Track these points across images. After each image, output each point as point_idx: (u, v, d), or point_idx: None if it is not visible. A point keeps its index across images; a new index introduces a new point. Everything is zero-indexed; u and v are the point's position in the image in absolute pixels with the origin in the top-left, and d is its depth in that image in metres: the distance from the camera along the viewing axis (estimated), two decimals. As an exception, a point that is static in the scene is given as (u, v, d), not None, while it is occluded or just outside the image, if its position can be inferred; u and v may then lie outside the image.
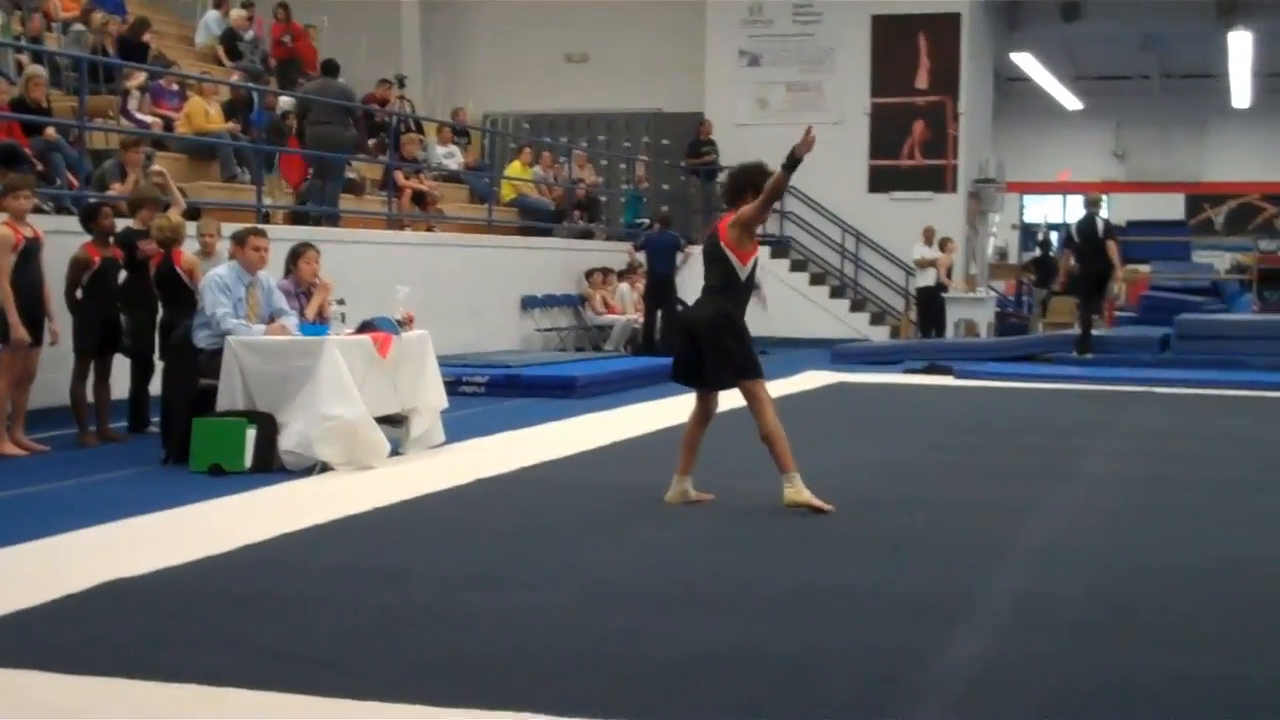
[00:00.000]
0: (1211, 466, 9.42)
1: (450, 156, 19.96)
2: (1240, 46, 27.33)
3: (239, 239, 9.47)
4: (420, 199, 18.13)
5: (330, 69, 16.57)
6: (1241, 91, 32.80)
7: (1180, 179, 35.87)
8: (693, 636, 4.97)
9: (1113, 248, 17.24)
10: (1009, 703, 4.31)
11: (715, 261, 7.37)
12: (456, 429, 10.36)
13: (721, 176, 6.99)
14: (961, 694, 4.40)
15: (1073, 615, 5.33)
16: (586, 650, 4.80)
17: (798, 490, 7.18)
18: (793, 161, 6.95)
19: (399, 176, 17.81)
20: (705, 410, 7.64)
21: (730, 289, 7.32)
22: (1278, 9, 24.72)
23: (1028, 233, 33.01)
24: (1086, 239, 17.63)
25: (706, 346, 7.25)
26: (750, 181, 7.35)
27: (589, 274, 20.13)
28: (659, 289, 19.27)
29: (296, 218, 15.23)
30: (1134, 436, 11.10)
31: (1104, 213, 18.86)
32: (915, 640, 4.93)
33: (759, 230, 7.56)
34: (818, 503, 7.13)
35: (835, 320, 22.41)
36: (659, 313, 19.26)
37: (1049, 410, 13.06)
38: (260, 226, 9.87)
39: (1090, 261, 17.54)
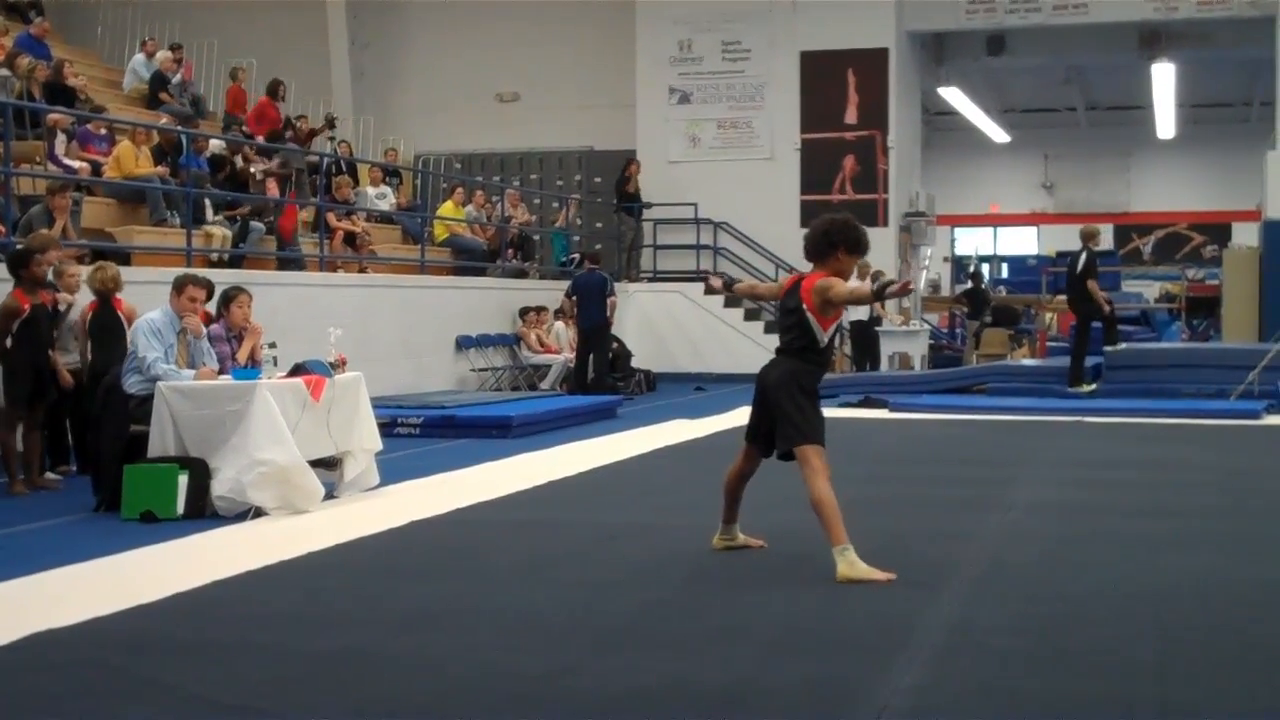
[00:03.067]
0: (1141, 494, 9.50)
1: (382, 197, 19.95)
2: (1163, 78, 27.71)
3: (178, 285, 9.44)
4: (352, 240, 18.09)
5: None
6: (1166, 123, 33.26)
7: (1108, 210, 36.32)
8: (627, 674, 4.97)
9: (1093, 287, 17.16)
10: (944, 734, 4.33)
11: (796, 325, 6.82)
12: (391, 471, 10.32)
13: (814, 225, 5.95)
14: (897, 726, 4.41)
15: (1007, 644, 5.36)
16: (521, 692, 4.78)
17: (850, 564, 6.43)
18: (881, 293, 6.77)
19: (331, 218, 17.77)
20: (750, 466, 7.12)
21: (809, 351, 6.82)
22: (1200, 40, 25.09)
23: (959, 265, 33.27)
24: (1070, 276, 17.72)
25: (774, 408, 6.77)
26: (843, 239, 6.75)
27: (523, 313, 20.14)
28: (590, 330, 19.32)
29: (232, 261, 15.18)
30: (1065, 465, 11.19)
31: (1100, 245, 18.76)
32: (851, 673, 4.95)
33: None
34: (878, 575, 6.43)
35: (770, 355, 22.46)
36: (591, 353, 19.30)
37: (982, 441, 13.15)
38: (201, 277, 9.79)
39: (1075, 303, 17.58)
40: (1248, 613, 5.89)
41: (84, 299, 10.68)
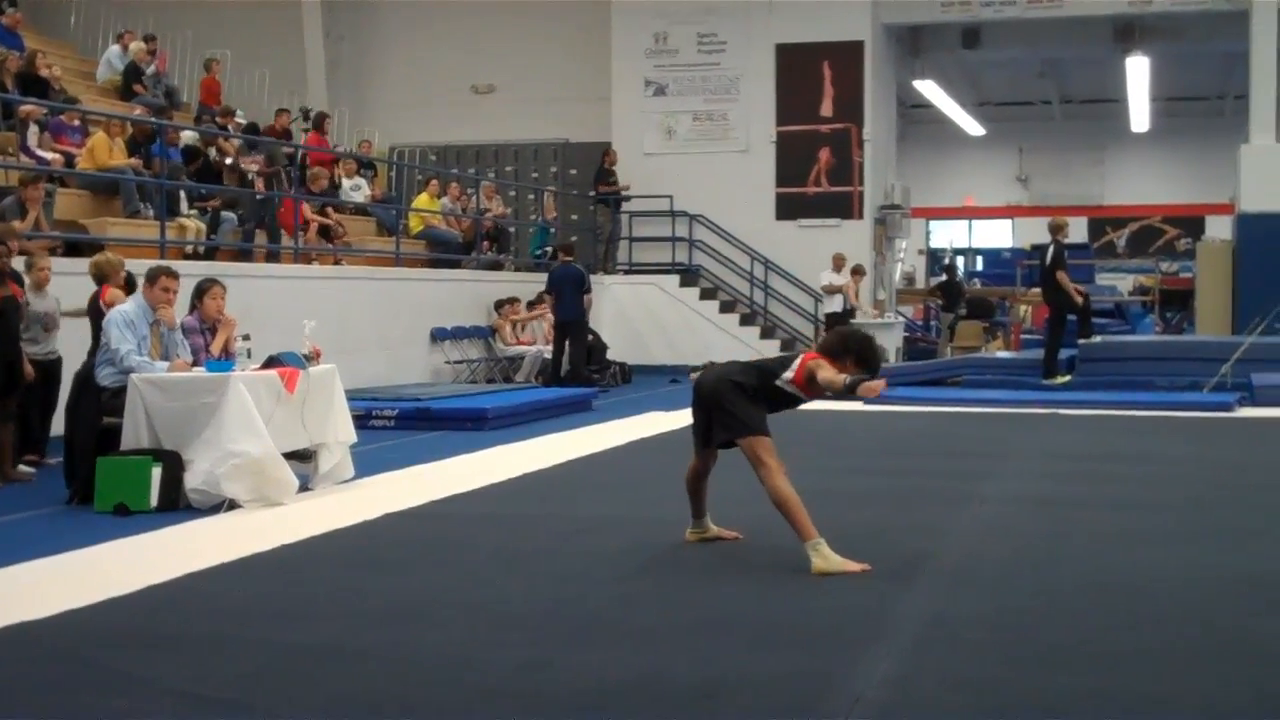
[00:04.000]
0: (1115, 487, 9.53)
1: (357, 189, 19.89)
2: (1138, 72, 27.81)
3: (151, 277, 9.42)
4: (327, 233, 18.04)
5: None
6: (1140, 116, 33.37)
7: (1083, 202, 36.48)
8: (601, 668, 4.96)
9: (1063, 278, 17.21)
10: (919, 725, 4.34)
11: (770, 377, 6.87)
12: (366, 463, 10.30)
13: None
14: (871, 716, 4.41)
15: (982, 636, 5.37)
16: (494, 685, 4.77)
17: (824, 557, 6.47)
18: (853, 389, 6.74)
19: (305, 210, 17.72)
20: (704, 463, 7.16)
21: (767, 391, 6.84)
22: (1174, 34, 25.18)
23: (934, 258, 33.34)
24: (1041, 269, 17.81)
25: (713, 406, 6.85)
26: (857, 354, 6.78)
27: (499, 305, 20.11)
28: (566, 323, 19.32)
29: (207, 253, 15.13)
30: (1040, 458, 11.22)
31: (1068, 238, 18.82)
32: (827, 665, 4.95)
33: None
34: (853, 567, 6.46)
35: (745, 347, 22.43)
36: (567, 345, 19.30)
37: (958, 434, 13.17)
38: (172, 268, 9.75)
39: (1048, 295, 17.66)
40: (1222, 605, 5.91)
41: (58, 290, 10.67)
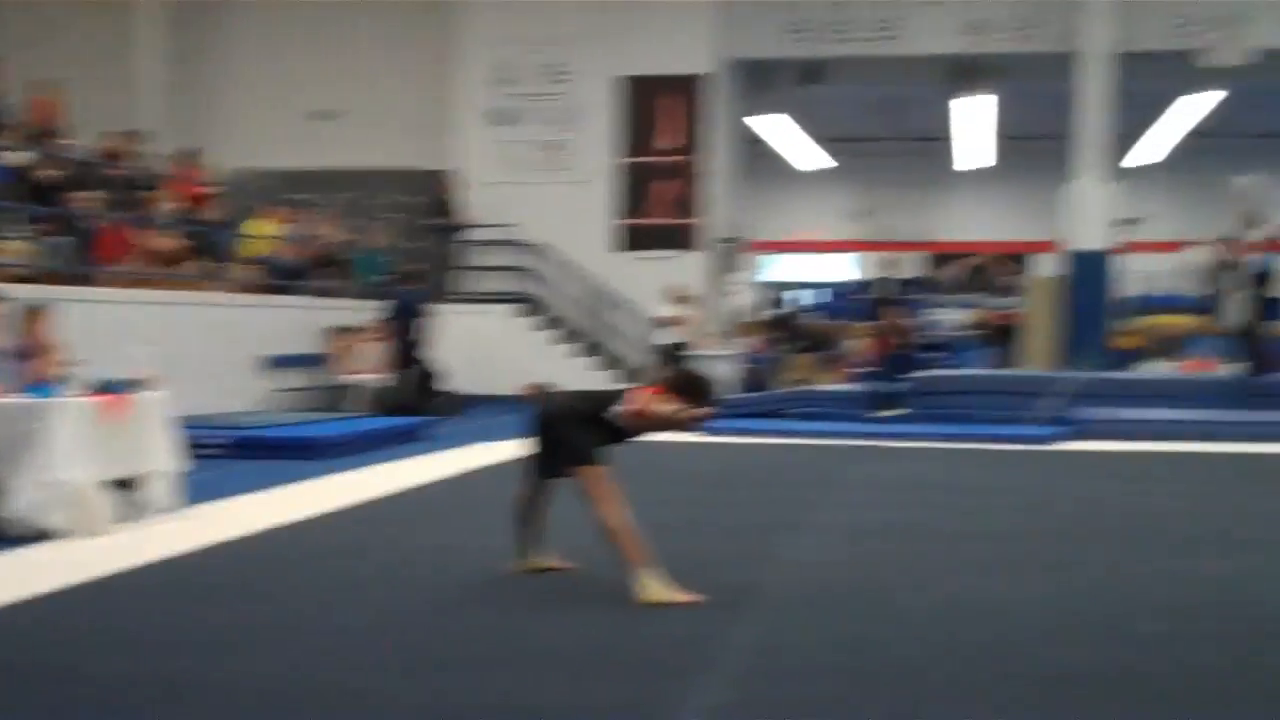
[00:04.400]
0: (942, 517, 9.70)
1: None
2: (971, 111, 28.39)
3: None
4: (159, 257, 17.72)
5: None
6: (974, 154, 34.05)
7: (918, 238, 37.08)
8: (427, 699, 4.93)
9: (894, 314, 17.49)
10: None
11: (604, 408, 6.87)
12: (194, 492, 10.11)
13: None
14: (696, 747, 4.45)
15: (809, 664, 5.44)
16: (316, 717, 4.71)
17: (655, 588, 6.49)
18: (683, 423, 6.77)
19: (137, 234, 17.39)
20: (537, 494, 7.20)
21: (600, 423, 6.83)
22: (1009, 74, 25.75)
23: (771, 291, 33.65)
24: (877, 303, 18.13)
25: (551, 433, 6.89)
26: (691, 391, 6.82)
27: (334, 332, 19.92)
28: (402, 351, 19.19)
29: (34, 276, 14.79)
30: (870, 489, 11.39)
31: (902, 274, 19.21)
32: (655, 694, 4.97)
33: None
34: (683, 597, 6.46)
35: (584, 378, 22.46)
36: (402, 373, 19.18)
37: (790, 464, 13.32)
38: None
39: (880, 329, 17.95)
40: (1041, 634, 6.04)
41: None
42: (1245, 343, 18.50)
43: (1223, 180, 21.40)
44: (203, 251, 19.10)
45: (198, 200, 19.54)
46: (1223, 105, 28.91)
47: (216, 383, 16.91)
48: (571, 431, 6.80)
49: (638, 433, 6.97)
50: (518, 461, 7.40)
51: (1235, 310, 18.94)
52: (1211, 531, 9.18)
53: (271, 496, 10.63)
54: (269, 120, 25.90)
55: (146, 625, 6.13)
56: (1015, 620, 6.31)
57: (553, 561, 7.36)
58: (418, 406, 18.85)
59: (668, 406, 6.76)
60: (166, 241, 18.12)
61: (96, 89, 22.72)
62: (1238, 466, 13.45)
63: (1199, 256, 32.13)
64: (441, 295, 23.63)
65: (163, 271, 17.64)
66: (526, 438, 7.10)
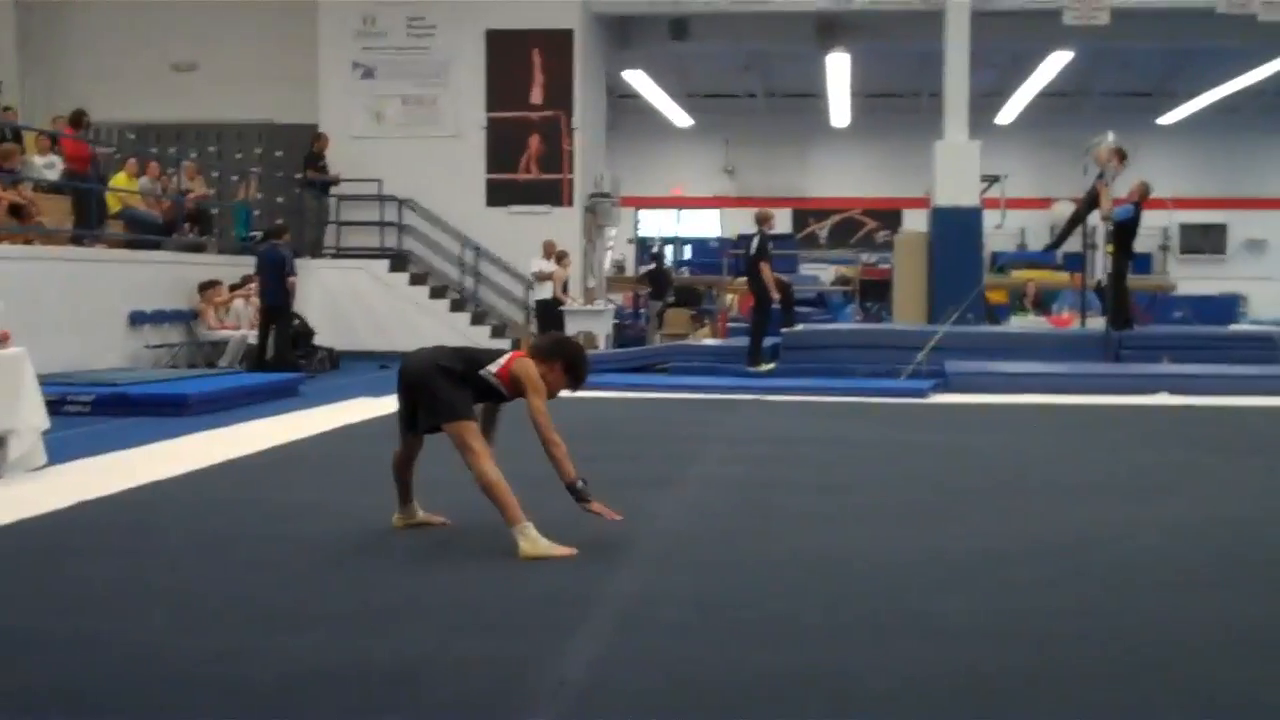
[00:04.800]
0: (816, 470, 9.78)
1: (50, 167, 19.13)
2: (838, 68, 28.56)
3: None
4: (17, 211, 17.29)
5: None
6: (841, 111, 34.29)
7: (787, 194, 37.29)
8: (297, 654, 4.87)
9: (764, 269, 17.57)
10: (620, 704, 4.36)
11: (478, 366, 6.82)
12: (59, 450, 9.91)
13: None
14: (575, 697, 4.43)
15: (684, 616, 5.44)
16: (184, 673, 4.63)
17: (532, 541, 6.47)
18: (574, 491, 6.73)
19: (-7, 187, 16.98)
20: (410, 450, 7.12)
21: (472, 379, 6.79)
22: (874, 32, 25.93)
23: (643, 246, 33.71)
24: (746, 259, 18.15)
25: (418, 390, 6.81)
26: (566, 360, 6.90)
27: (201, 288, 19.60)
28: (271, 306, 18.93)
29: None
30: (744, 442, 11.44)
31: (773, 229, 19.26)
32: (532, 649, 4.94)
33: None
34: (559, 551, 6.46)
35: (455, 333, 22.38)
36: (272, 329, 18.92)
37: (664, 419, 13.35)
38: None
39: (753, 285, 17.98)
40: (909, 583, 6.10)
41: None
42: (1109, 297, 18.83)
43: (1085, 138, 21.70)
44: (73, 207, 18.72)
45: (82, 161, 19.08)
46: (1081, 64, 29.38)
47: (81, 340, 16.59)
48: (443, 386, 6.75)
49: (507, 396, 6.94)
50: (391, 417, 7.33)
51: (1099, 265, 19.28)
52: (1078, 481, 9.33)
53: (139, 454, 10.44)
54: (128, 71, 25.36)
55: (6, 584, 5.99)
56: (891, 570, 6.37)
57: (426, 517, 7.30)
58: (288, 363, 18.64)
59: (541, 374, 6.76)
60: (22, 194, 17.68)
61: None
62: (1103, 418, 13.70)
63: (1063, 212, 32.76)
64: (311, 250, 23.37)
65: (22, 226, 17.21)
66: (399, 392, 7.02)
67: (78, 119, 19.78)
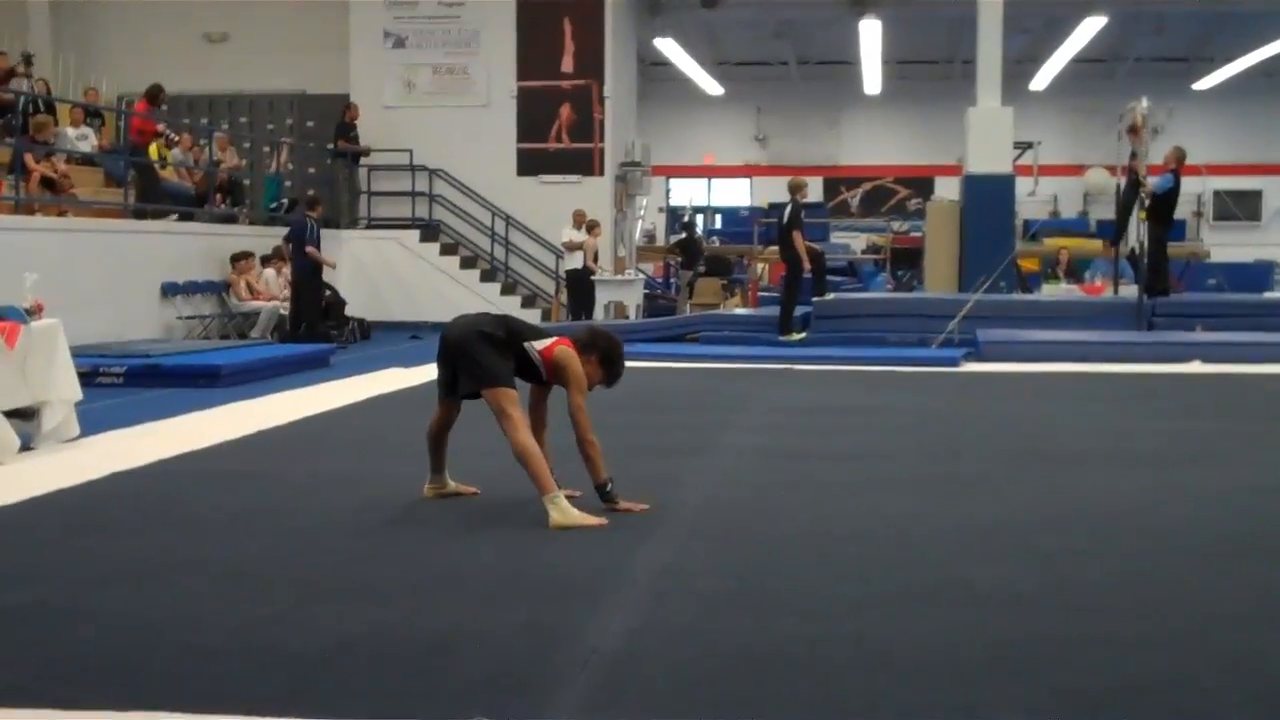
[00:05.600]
0: (847, 439, 9.76)
1: (84, 139, 19.21)
2: (870, 35, 28.41)
3: None
4: (51, 183, 17.37)
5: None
6: (873, 78, 34.12)
7: (818, 162, 37.13)
8: (332, 624, 4.89)
9: (797, 238, 17.54)
10: (652, 673, 4.36)
11: (522, 339, 6.84)
12: (92, 422, 9.97)
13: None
14: (607, 667, 4.43)
15: (715, 586, 5.44)
16: (223, 643, 4.65)
17: (563, 512, 6.46)
18: (601, 490, 6.76)
19: (28, 159, 17.03)
20: (448, 416, 7.12)
21: (514, 349, 6.80)
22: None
23: (674, 215, 33.63)
24: (779, 227, 18.13)
25: (458, 356, 6.81)
26: (605, 353, 6.93)
27: (233, 259, 19.66)
28: (302, 276, 18.99)
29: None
30: (775, 412, 11.43)
31: (806, 197, 19.21)
32: (564, 619, 4.95)
33: None
34: (590, 521, 6.47)
35: (486, 303, 22.42)
36: (305, 300, 18.98)
37: (696, 389, 13.33)
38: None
39: (784, 253, 17.96)
40: (947, 553, 6.09)
41: None
42: (1147, 264, 18.70)
43: (1119, 104, 21.54)
44: (109, 180, 18.79)
45: (146, 135, 19.14)
46: (1115, 29, 29.15)
47: (114, 311, 16.65)
48: (484, 352, 6.74)
49: (544, 379, 6.95)
50: (422, 388, 7.33)
51: (1133, 232, 19.16)
52: (1110, 450, 9.29)
53: (172, 425, 10.49)
54: (160, 42, 25.41)
55: (43, 557, 6.02)
56: (923, 538, 6.36)
57: (457, 487, 7.31)
58: (320, 333, 18.69)
59: (582, 367, 6.80)
60: (55, 167, 17.76)
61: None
62: (1135, 386, 13.63)
63: (1096, 180, 32.52)
64: (343, 221, 23.41)
65: (58, 198, 17.30)
66: (439, 358, 7.02)
67: (155, 95, 19.67)
